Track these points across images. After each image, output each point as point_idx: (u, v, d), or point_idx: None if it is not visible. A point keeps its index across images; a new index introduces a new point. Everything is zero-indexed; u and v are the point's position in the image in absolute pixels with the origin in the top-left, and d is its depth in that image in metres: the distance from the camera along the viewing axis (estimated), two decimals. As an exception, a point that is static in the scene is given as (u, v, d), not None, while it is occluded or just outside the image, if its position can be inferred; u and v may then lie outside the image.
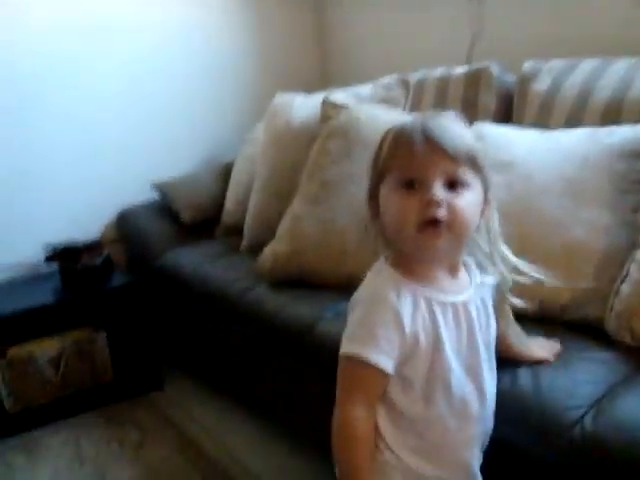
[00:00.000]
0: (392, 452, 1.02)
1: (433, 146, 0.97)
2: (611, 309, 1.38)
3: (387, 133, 1.05)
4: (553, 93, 1.97)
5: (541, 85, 2.02)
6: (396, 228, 1.01)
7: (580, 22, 2.18)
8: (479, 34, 2.46)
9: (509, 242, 1.19)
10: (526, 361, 1.27)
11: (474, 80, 2.18)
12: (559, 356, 1.31)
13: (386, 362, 0.97)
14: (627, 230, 1.45)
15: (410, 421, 1.02)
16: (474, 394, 1.05)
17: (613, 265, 1.43)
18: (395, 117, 2.05)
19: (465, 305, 1.04)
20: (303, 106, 2.40)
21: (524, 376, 1.25)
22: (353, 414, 0.97)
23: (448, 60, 2.41)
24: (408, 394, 1.01)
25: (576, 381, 1.23)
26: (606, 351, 1.33)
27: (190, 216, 2.69)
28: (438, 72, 2.33)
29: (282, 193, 2.25)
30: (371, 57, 3.02)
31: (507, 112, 2.12)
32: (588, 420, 1.13)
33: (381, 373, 0.97)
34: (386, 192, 1.02)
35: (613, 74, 1.88)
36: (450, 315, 1.02)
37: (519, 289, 1.17)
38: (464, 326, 1.03)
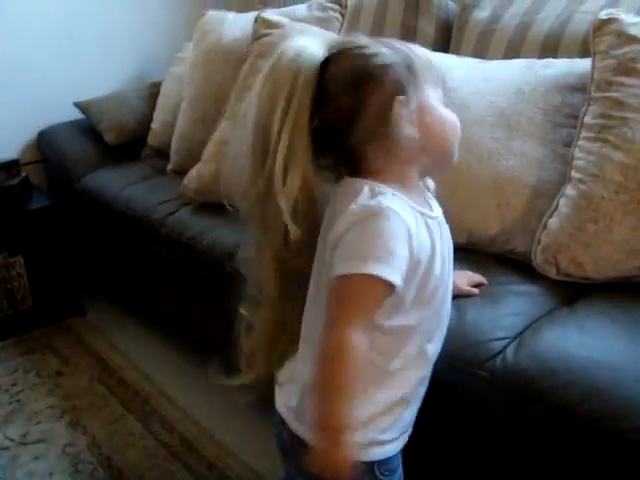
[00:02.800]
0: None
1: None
2: (538, 243, 1.37)
3: (398, 49, 0.97)
4: (493, 23, 1.92)
5: (481, 14, 1.97)
6: (449, 141, 1.00)
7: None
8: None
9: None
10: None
11: (413, 6, 2.11)
12: (485, 289, 1.30)
13: (397, 278, 0.88)
14: (559, 164, 1.43)
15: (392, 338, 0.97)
16: (450, 294, 1.04)
17: (543, 199, 1.41)
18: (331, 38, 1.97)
19: (442, 220, 1.03)
20: (235, 24, 2.29)
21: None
22: (355, 337, 0.87)
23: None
24: (396, 311, 0.95)
25: (500, 314, 1.23)
26: (531, 285, 1.33)
27: (115, 137, 2.58)
28: (377, -5, 2.25)
29: (209, 115, 2.16)
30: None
31: (446, 40, 2.06)
32: (510, 351, 1.13)
33: (389, 290, 0.89)
34: (435, 102, 0.97)
35: (554, 7, 1.83)
36: (438, 230, 0.99)
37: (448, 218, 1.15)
38: (446, 240, 1.01)
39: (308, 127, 0.92)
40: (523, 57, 1.76)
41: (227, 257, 1.70)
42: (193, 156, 2.08)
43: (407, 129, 0.92)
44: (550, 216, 1.37)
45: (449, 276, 1.02)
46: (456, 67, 1.71)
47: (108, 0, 2.81)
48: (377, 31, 2.16)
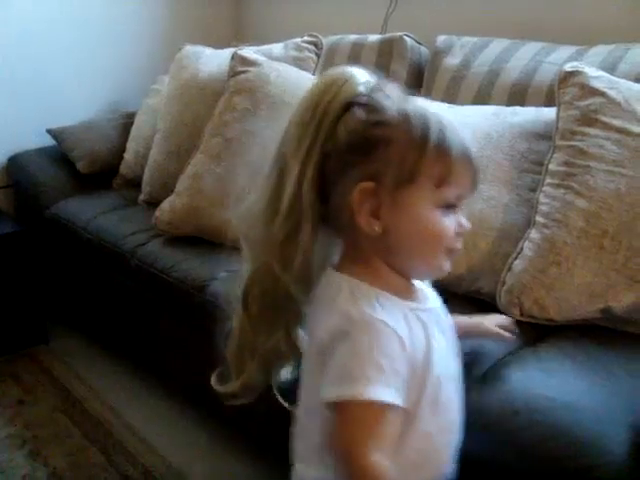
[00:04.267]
0: None
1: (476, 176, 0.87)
2: (503, 284, 1.41)
3: (431, 121, 0.82)
4: (464, 69, 2.00)
5: (453, 60, 2.04)
6: (425, 244, 0.84)
7: (492, 2, 2.20)
8: (396, 6, 2.44)
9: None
10: (482, 336, 1.18)
11: (387, 49, 2.18)
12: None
13: (397, 396, 0.78)
14: (524, 208, 1.48)
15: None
16: (457, 402, 0.92)
17: (508, 241, 1.46)
18: (305, 78, 2.02)
19: (441, 310, 0.94)
20: (211, 59, 2.33)
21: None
22: (374, 461, 0.76)
23: (363, 29, 2.39)
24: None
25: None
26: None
27: (87, 165, 2.58)
28: (352, 38, 2.31)
29: (183, 148, 2.19)
30: (288, 19, 2.96)
31: (418, 84, 2.12)
32: (475, 390, 1.15)
33: (396, 411, 0.79)
34: (420, 201, 0.81)
35: (522, 56, 1.91)
36: (434, 322, 0.88)
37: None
38: (447, 334, 0.91)
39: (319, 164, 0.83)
40: (492, 104, 1.83)
41: (197, 290, 1.71)
42: (165, 188, 2.09)
43: (364, 220, 0.82)
44: (515, 258, 1.42)
45: (454, 379, 0.91)
46: (428, 111, 1.76)
47: (85, 28, 2.82)
48: (351, 72, 2.21)
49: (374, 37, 2.25)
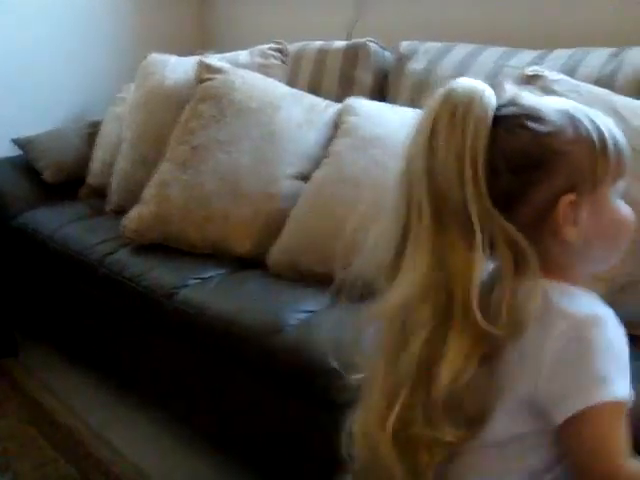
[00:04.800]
0: None
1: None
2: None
3: (580, 115, 0.80)
4: (427, 74, 2.02)
5: (417, 65, 2.06)
6: (620, 235, 0.83)
7: (455, 8, 2.24)
8: (360, 12, 2.47)
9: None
10: None
11: (352, 55, 2.20)
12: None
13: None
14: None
15: None
16: None
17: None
18: (271, 85, 2.04)
19: None
20: (177, 67, 2.33)
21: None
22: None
23: (329, 35, 2.40)
24: None
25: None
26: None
27: (53, 175, 2.56)
28: (317, 44, 2.33)
29: (150, 157, 2.18)
30: (253, 26, 2.96)
31: (382, 89, 2.14)
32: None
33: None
34: (609, 198, 0.80)
35: (485, 61, 1.94)
36: None
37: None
38: None
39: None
40: (456, 106, 1.85)
41: (166, 297, 1.71)
42: (132, 197, 2.08)
43: (569, 233, 0.78)
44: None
45: None
46: (392, 116, 1.79)
47: (50, 38, 2.80)
48: (317, 78, 2.23)
49: (339, 43, 2.27)
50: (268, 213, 1.81)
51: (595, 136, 0.78)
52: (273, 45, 2.28)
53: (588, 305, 0.77)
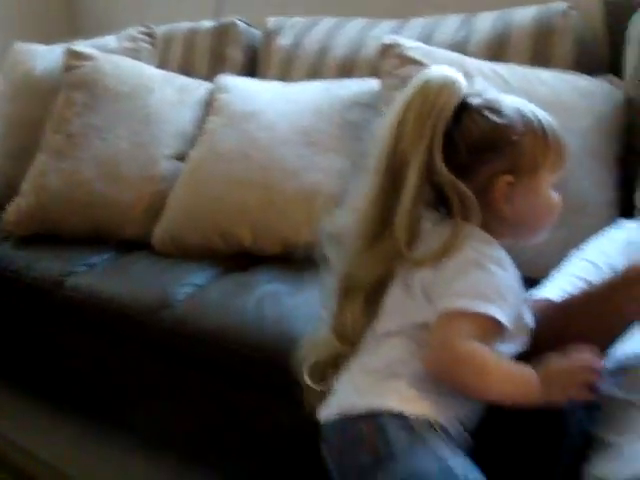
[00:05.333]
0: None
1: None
2: (344, 245, 1.52)
3: (534, 116, 0.97)
4: (295, 48, 2.09)
5: (284, 40, 2.12)
6: (545, 219, 0.99)
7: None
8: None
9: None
10: None
11: (221, 34, 2.24)
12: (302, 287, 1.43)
13: (509, 322, 0.89)
14: (359, 173, 1.60)
15: None
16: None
17: (346, 205, 1.57)
18: (141, 69, 2.05)
19: None
20: (45, 56, 2.30)
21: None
22: (471, 345, 0.87)
23: (196, 15, 2.43)
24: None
25: (314, 309, 1.34)
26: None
27: None
28: (186, 26, 2.35)
29: (24, 149, 2.14)
30: (120, 11, 2.94)
31: (253, 66, 2.20)
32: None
33: (499, 331, 0.90)
34: (543, 185, 0.97)
35: (349, 33, 2.03)
36: None
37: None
38: None
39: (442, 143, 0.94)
40: (324, 78, 1.93)
41: (56, 285, 1.71)
42: (9, 191, 2.04)
43: (503, 208, 0.95)
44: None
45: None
46: (262, 91, 1.85)
47: None
48: (187, 60, 2.27)
49: (207, 23, 2.30)
50: (149, 195, 1.83)
51: (539, 130, 0.95)
52: (141, 29, 2.28)
53: (497, 250, 0.92)
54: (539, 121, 0.96)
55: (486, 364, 0.86)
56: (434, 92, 0.94)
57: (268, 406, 1.34)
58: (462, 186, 0.93)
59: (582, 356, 0.87)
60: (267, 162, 1.64)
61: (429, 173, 0.93)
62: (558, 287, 1.06)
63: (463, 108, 0.95)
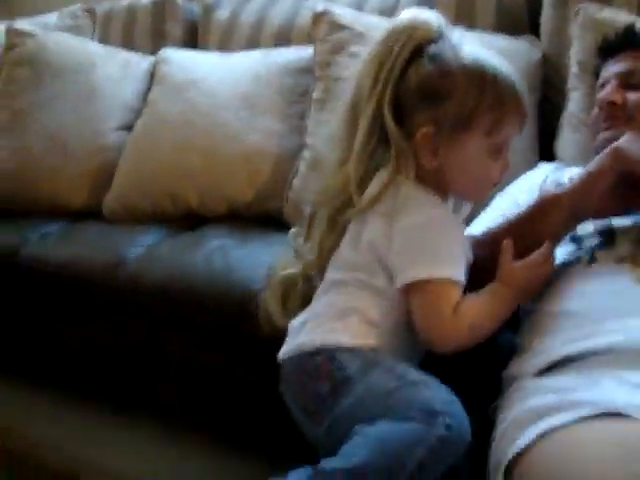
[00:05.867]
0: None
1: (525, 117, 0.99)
2: (287, 200, 1.62)
3: (487, 74, 0.94)
4: (233, 20, 2.16)
5: (222, 14, 2.20)
6: (472, 185, 0.99)
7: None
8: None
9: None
10: None
11: (160, 10, 2.29)
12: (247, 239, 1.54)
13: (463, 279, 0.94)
14: (296, 134, 1.69)
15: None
16: None
17: (286, 164, 1.66)
18: (84, 45, 2.10)
19: None
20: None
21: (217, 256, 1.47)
22: (461, 318, 0.91)
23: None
24: None
25: (260, 259, 1.44)
26: (284, 235, 1.55)
27: None
28: (125, 3, 2.40)
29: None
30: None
31: (193, 39, 2.26)
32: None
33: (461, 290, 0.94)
34: (472, 147, 0.95)
35: (284, 3, 2.12)
36: None
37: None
38: None
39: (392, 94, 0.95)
40: (262, 47, 2.01)
41: (9, 257, 1.74)
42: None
43: (424, 156, 0.94)
44: (293, 177, 1.63)
45: None
46: (203, 61, 1.93)
47: None
48: (128, 36, 2.32)
49: (146, 0, 2.35)
50: (98, 166, 1.90)
51: (480, 89, 0.93)
52: (81, 5, 2.32)
53: (441, 208, 0.96)
54: (482, 77, 0.93)
55: (481, 321, 0.92)
56: (393, 38, 0.95)
57: (222, 349, 1.44)
58: (397, 135, 0.94)
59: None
60: (209, 127, 1.72)
61: (380, 118, 0.95)
62: (482, 224, 1.13)
63: (418, 54, 0.95)
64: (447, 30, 0.98)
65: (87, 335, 1.68)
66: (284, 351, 0.99)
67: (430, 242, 0.93)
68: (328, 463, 0.84)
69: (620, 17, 1.51)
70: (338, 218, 1.00)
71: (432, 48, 0.95)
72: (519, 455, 0.74)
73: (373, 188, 0.96)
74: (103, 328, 1.63)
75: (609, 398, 0.73)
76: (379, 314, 0.94)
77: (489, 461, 0.81)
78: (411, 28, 0.95)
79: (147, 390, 1.63)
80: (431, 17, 0.97)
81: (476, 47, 0.98)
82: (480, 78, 0.93)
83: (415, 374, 0.90)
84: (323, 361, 0.92)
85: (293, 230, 1.13)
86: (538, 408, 0.77)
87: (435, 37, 0.95)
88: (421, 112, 0.94)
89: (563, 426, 0.72)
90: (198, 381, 1.51)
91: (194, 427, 1.55)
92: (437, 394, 0.86)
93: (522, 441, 0.74)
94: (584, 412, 0.72)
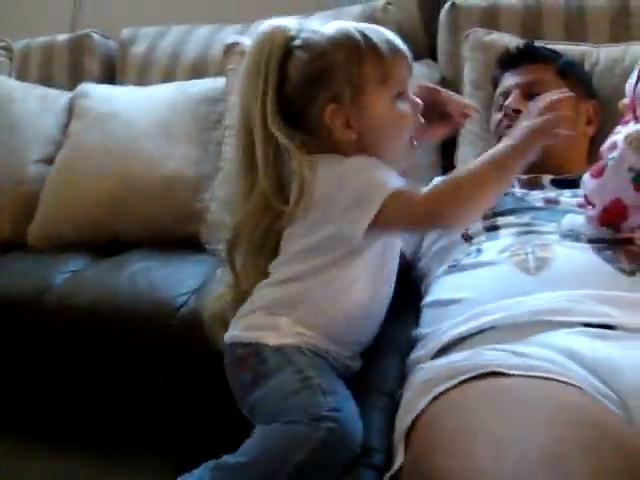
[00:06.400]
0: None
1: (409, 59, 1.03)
2: (205, 221, 1.71)
3: (353, 35, 0.98)
4: (149, 55, 2.26)
5: (139, 49, 2.29)
6: (394, 131, 1.01)
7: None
8: (81, 5, 2.63)
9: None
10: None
11: (77, 46, 2.36)
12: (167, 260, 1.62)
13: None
14: (212, 160, 1.79)
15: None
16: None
17: (204, 189, 1.75)
18: (2, 82, 2.15)
19: None
20: None
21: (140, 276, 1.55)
22: (432, 191, 0.96)
23: (52, 31, 2.51)
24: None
25: (182, 277, 1.54)
26: (204, 255, 1.65)
27: None
28: (42, 40, 2.45)
29: None
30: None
31: (111, 75, 2.35)
32: (192, 301, 1.45)
33: None
34: (376, 101, 0.98)
35: (198, 38, 2.23)
36: None
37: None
38: None
39: (275, 96, 0.98)
40: (178, 80, 2.11)
41: None
42: None
43: (341, 133, 0.98)
44: (211, 200, 1.72)
45: None
46: (121, 94, 2.02)
47: None
48: (46, 72, 2.38)
49: (62, 37, 2.41)
50: (21, 197, 1.94)
51: (352, 49, 0.97)
52: (-2, 43, 2.37)
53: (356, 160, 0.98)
54: (351, 40, 0.98)
55: (456, 183, 0.96)
56: (260, 46, 0.99)
57: (152, 364, 1.50)
58: (281, 137, 0.97)
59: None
60: (129, 155, 1.80)
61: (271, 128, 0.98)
62: None
63: (288, 54, 0.99)
64: (306, 23, 1.03)
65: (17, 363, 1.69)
66: (227, 336, 1.04)
67: (362, 178, 0.96)
68: (228, 458, 0.90)
69: (505, 39, 1.68)
70: (270, 234, 1.03)
71: (297, 41, 0.99)
72: (413, 424, 0.84)
73: (294, 187, 0.98)
74: (33, 355, 1.65)
75: (487, 362, 0.83)
76: (317, 309, 0.99)
77: (394, 437, 0.89)
78: (270, 34, 1.00)
79: (83, 416, 1.64)
80: (286, 21, 1.02)
81: (337, 22, 1.03)
82: (349, 41, 0.97)
83: (319, 379, 0.93)
84: (250, 353, 0.98)
85: (218, 272, 1.16)
86: (430, 381, 0.87)
87: (296, 34, 1.00)
88: (317, 97, 0.98)
89: (447, 390, 0.82)
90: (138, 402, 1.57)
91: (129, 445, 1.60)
92: (329, 400, 0.89)
93: (415, 410, 0.84)
94: (464, 376, 0.82)
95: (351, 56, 0.97)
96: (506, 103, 1.38)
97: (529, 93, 1.35)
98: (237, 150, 1.04)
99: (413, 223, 0.99)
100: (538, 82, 1.38)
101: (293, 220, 1.01)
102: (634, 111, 1.02)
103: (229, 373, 1.03)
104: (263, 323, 1.00)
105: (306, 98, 0.99)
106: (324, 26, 1.01)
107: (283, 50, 0.98)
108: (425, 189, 0.97)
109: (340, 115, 0.97)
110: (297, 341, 0.97)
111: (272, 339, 0.97)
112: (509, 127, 1.33)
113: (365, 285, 1.01)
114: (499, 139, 1.35)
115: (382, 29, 1.02)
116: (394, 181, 0.96)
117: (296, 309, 0.99)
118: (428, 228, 1.07)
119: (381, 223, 0.94)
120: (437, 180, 1.09)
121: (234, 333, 1.02)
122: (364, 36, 0.98)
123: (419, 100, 1.03)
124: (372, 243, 0.99)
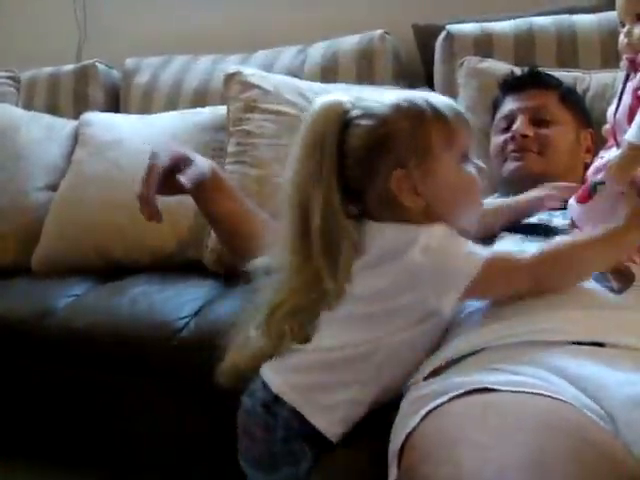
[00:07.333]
0: None
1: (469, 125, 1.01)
2: (207, 248, 1.73)
3: (417, 102, 0.96)
4: (152, 85, 2.32)
5: (142, 79, 2.35)
6: (464, 195, 0.99)
7: (170, 24, 2.55)
8: (86, 36, 2.69)
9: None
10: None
11: (82, 76, 2.41)
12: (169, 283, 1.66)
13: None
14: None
15: None
16: None
17: (204, 214, 1.78)
18: (7, 110, 2.20)
19: None
20: None
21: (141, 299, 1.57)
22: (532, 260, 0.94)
23: (58, 61, 2.57)
24: None
25: (182, 301, 1.57)
26: (205, 279, 1.68)
27: None
28: (49, 70, 2.50)
29: None
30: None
31: (115, 103, 2.41)
32: (192, 324, 1.48)
33: None
34: (444, 165, 0.96)
35: (200, 67, 2.29)
36: None
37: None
38: None
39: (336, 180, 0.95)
40: (180, 109, 2.16)
41: None
42: None
43: (410, 200, 0.94)
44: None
45: None
46: (124, 123, 2.06)
47: None
48: (52, 102, 2.43)
49: (68, 67, 2.46)
50: (25, 224, 1.98)
51: (416, 115, 0.94)
52: (4, 73, 2.43)
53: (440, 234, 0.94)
54: (415, 105, 0.95)
55: (560, 252, 0.95)
56: (317, 121, 0.96)
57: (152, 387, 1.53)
58: (343, 222, 0.95)
59: None
60: (132, 182, 1.83)
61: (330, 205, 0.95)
62: None
63: (346, 127, 0.96)
64: (358, 95, 1.01)
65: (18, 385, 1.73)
66: (277, 384, 0.98)
67: (449, 251, 0.92)
68: None
69: (498, 66, 1.72)
70: (316, 308, 0.98)
71: (355, 111, 0.96)
72: (405, 441, 0.85)
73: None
74: (34, 377, 1.69)
75: (478, 380, 0.85)
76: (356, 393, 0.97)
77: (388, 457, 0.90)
78: (324, 109, 0.97)
79: (84, 438, 1.67)
80: (336, 95, 1.00)
81: (392, 91, 1.03)
82: (413, 106, 0.95)
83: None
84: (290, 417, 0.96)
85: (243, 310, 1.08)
86: (420, 399, 0.89)
87: (351, 105, 0.97)
88: (381, 164, 0.95)
89: (437, 406, 0.84)
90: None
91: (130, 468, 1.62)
92: None
93: (407, 428, 0.85)
94: (455, 393, 0.84)
95: (416, 121, 0.95)
96: (514, 127, 1.39)
97: (533, 118, 1.38)
98: (290, 224, 0.99)
99: (516, 287, 0.97)
100: (542, 108, 1.40)
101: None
102: (614, 137, 1.04)
103: (246, 412, 1.01)
104: (316, 399, 0.97)
105: (370, 166, 0.96)
106: (381, 96, 0.99)
107: (339, 125, 0.96)
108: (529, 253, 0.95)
109: (407, 181, 0.94)
110: (335, 433, 0.97)
111: (321, 425, 0.96)
112: (515, 152, 1.36)
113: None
114: (504, 161, 1.39)
115: (440, 96, 1.02)
116: (477, 248, 0.94)
117: (349, 388, 0.97)
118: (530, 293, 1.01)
119: (476, 293, 0.94)
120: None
121: (280, 384, 0.98)
122: (426, 101, 0.96)
123: (482, 163, 1.04)
124: None
